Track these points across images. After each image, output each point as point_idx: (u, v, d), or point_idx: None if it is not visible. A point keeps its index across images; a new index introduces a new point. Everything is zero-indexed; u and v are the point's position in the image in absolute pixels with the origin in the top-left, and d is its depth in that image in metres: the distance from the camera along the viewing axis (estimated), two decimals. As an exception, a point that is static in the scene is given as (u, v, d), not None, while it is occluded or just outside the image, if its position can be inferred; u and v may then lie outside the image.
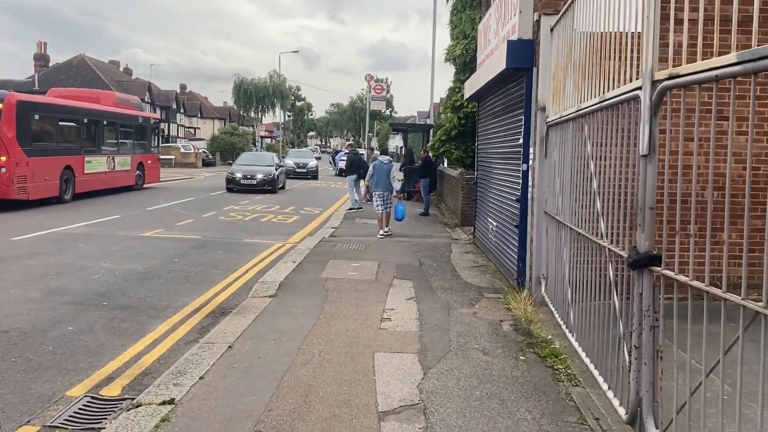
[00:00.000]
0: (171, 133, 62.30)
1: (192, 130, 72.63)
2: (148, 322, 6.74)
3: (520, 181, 8.16)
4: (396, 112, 79.47)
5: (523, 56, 7.84)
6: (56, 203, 18.19)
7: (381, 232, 13.26)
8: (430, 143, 19.19)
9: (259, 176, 24.51)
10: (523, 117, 8.09)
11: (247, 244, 12.14)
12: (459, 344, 6.00)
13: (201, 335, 6.32)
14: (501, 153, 9.76)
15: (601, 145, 4.83)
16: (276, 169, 25.53)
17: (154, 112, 57.26)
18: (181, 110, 68.25)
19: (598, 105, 4.72)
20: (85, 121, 20.58)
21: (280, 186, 26.48)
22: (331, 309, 7.12)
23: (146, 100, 53.66)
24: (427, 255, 10.94)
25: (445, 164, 24.09)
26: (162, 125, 60.46)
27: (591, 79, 5.19)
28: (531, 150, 7.81)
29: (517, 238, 8.24)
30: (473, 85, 11.38)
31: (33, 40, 79.71)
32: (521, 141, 8.14)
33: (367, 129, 24.17)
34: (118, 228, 13.57)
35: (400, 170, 20.02)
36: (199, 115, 75.87)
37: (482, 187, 11.90)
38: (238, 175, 24.66)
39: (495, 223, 10.12)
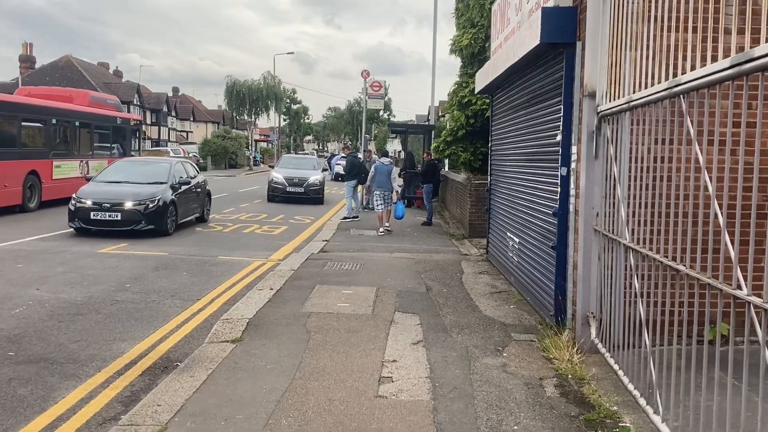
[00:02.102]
0: (162, 137, 60.46)
1: (184, 134, 70.77)
2: (58, 386, 4.90)
3: (558, 189, 6.36)
4: (394, 116, 77.75)
5: (563, 28, 6.04)
6: (19, 212, 16.34)
7: (381, 229, 13.85)
8: (434, 144, 17.36)
9: (129, 204, 12.62)
10: (561, 107, 6.29)
11: (220, 262, 10.30)
12: (490, 425, 4.19)
13: (126, 408, 4.50)
14: (526, 154, 7.96)
15: (729, 143, 3.04)
16: (173, 189, 13.53)
17: (143, 114, 55.50)
18: (173, 113, 66.39)
19: (733, 70, 2.91)
20: (54, 121, 18.72)
21: (191, 217, 14.80)
22: (312, 362, 5.31)
23: (135, 102, 51.88)
24: (435, 276, 9.12)
25: (446, 167, 22.34)
26: (152, 128, 58.69)
27: (703, 38, 3.40)
28: (574, 149, 6.01)
29: (553, 263, 6.43)
30: (488, 74, 9.59)
31: (23, 40, 77.58)
32: (559, 138, 6.34)
33: (363, 130, 22.15)
34: (76, 242, 11.73)
35: (399, 175, 18.24)
36: (191, 119, 74.00)
37: (498, 194, 10.09)
38: (88, 202, 12.63)
39: (517, 240, 8.31)
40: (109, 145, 22.35)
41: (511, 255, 8.72)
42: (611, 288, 5.34)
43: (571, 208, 6.05)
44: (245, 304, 7.09)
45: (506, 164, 9.40)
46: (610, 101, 5.35)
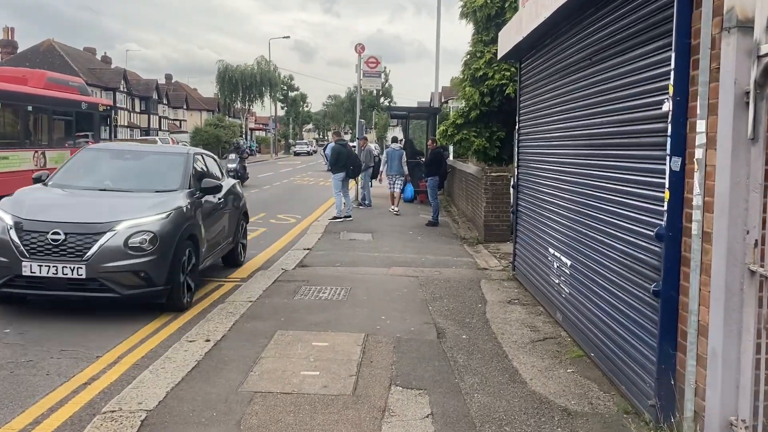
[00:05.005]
0: (151, 125, 57.76)
1: (177, 123, 68.05)
2: None
3: (663, 193, 3.79)
4: (395, 103, 74.81)
5: None
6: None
7: (392, 208, 15.18)
8: (440, 128, 14.70)
9: None
10: (671, 55, 3.71)
11: (162, 284, 7.73)
12: None
13: None
14: (589, 136, 5.38)
15: None
16: None
17: (130, 102, 52.90)
18: (164, 101, 63.61)
19: None
20: (-2, 105, 16.14)
21: None
22: None
23: (121, 89, 49.22)
24: (448, 309, 6.58)
25: (451, 155, 19.79)
26: (140, 116, 55.97)
27: None
28: (701, 125, 3.44)
29: (654, 317, 3.87)
30: (520, 28, 7.00)
31: (19, 31, 74.52)
32: (666, 107, 3.77)
33: (358, 113, 19.44)
34: None
35: None
36: (185, 107, 71.13)
37: (531, 193, 7.54)
38: None
39: (568, 262, 5.76)
40: (72, 133, 19.78)
41: (555, 281, 6.17)
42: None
43: (694, 227, 3.48)
44: (155, 374, 4.52)
45: (547, 152, 6.82)
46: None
